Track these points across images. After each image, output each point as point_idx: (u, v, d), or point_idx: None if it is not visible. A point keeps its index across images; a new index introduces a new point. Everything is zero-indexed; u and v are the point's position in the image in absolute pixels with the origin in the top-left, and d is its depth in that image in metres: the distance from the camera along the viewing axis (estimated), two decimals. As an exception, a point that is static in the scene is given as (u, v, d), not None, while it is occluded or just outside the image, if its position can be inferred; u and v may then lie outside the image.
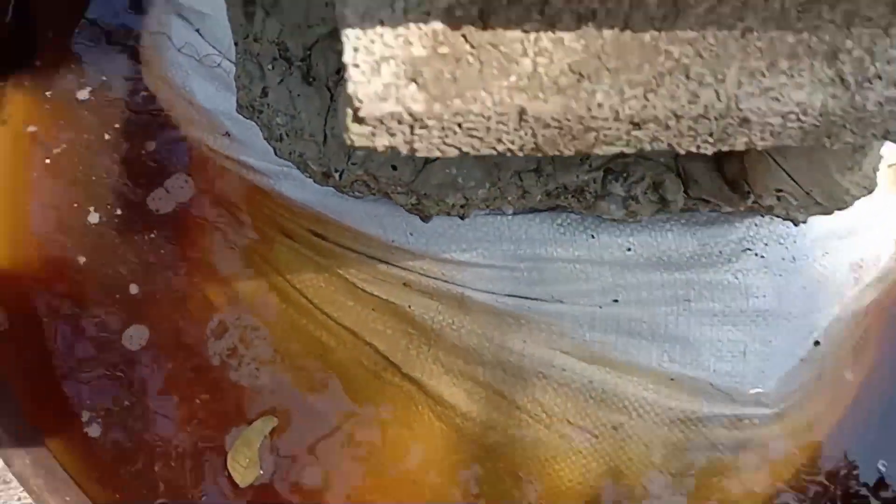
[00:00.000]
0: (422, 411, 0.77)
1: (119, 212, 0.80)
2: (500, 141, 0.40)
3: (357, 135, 0.38)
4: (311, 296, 0.80)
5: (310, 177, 0.70)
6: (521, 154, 0.41)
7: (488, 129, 0.39)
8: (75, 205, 0.81)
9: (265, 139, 0.72)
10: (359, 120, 0.37)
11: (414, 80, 0.37)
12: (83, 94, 0.86)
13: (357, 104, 0.37)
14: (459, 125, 0.38)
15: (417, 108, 0.37)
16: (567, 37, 0.38)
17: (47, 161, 0.82)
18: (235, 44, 0.73)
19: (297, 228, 0.82)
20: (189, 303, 0.79)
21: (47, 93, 0.86)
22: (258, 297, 0.81)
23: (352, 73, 0.36)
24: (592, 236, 0.73)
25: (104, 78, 0.87)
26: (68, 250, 0.79)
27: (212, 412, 0.75)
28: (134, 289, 0.78)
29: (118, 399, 0.74)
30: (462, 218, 0.70)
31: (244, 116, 0.74)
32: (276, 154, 0.71)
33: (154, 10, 0.90)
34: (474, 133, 0.39)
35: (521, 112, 0.38)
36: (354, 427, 0.76)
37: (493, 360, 0.75)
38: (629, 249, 0.73)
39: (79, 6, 0.92)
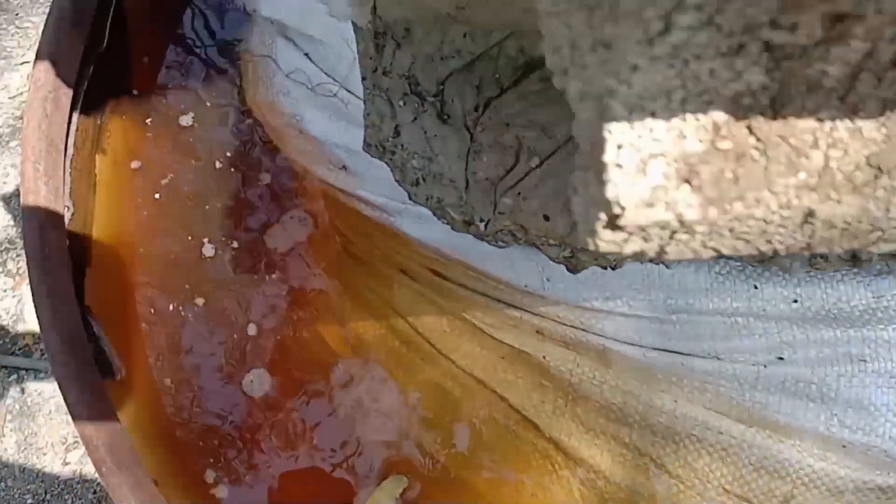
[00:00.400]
0: (560, 473, 0.71)
1: (235, 245, 0.76)
2: (769, 242, 0.33)
3: (607, 241, 0.32)
4: (434, 341, 0.75)
5: (447, 223, 0.65)
6: (783, 253, 0.35)
7: (764, 231, 0.32)
8: (189, 238, 0.77)
9: (397, 181, 0.67)
10: (615, 227, 0.31)
11: (687, 181, 0.31)
12: (186, 120, 0.81)
13: (618, 210, 0.31)
14: (731, 229, 0.32)
15: (691, 214, 0.31)
16: (866, 125, 0.31)
17: (157, 196, 0.78)
18: (364, 78, 0.67)
19: (416, 267, 0.77)
20: (310, 347, 0.74)
21: (147, 120, 0.82)
22: (380, 341, 0.76)
23: (613, 174, 0.30)
24: (755, 286, 0.66)
25: (208, 104, 0.82)
26: (184, 287, 0.75)
27: (340, 470, 0.70)
28: (252, 329, 0.74)
29: (242, 454, 0.70)
30: (614, 269, 0.64)
31: (372, 155, 0.69)
32: (410, 198, 0.66)
33: (256, 30, 0.85)
34: (744, 236, 0.33)
35: (809, 214, 0.32)
36: (488, 487, 0.71)
37: (640, 421, 0.69)
38: (795, 301, 0.66)
39: (173, 28, 0.87)
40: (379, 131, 0.66)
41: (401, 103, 0.66)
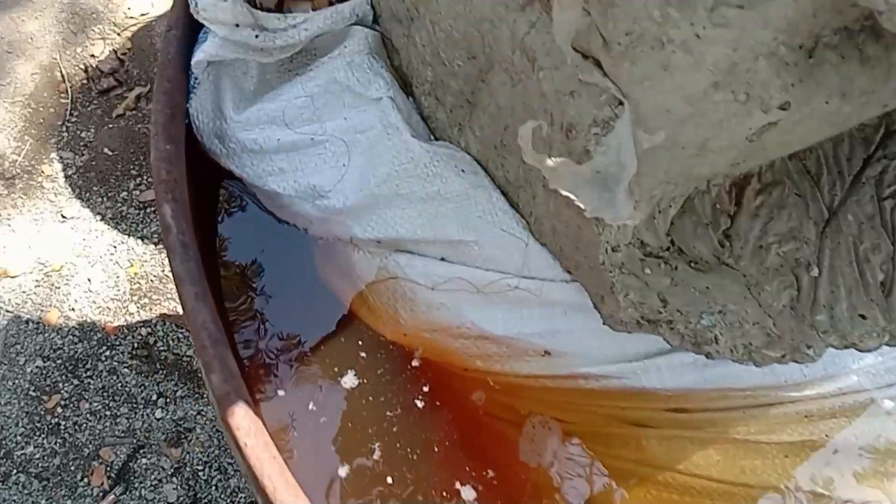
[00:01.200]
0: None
1: (492, 473, 0.67)
2: None
3: None
4: (716, 475, 0.72)
5: (754, 363, 0.63)
6: None
7: None
8: (444, 493, 0.66)
9: (679, 346, 0.63)
10: None
11: None
12: (349, 381, 0.70)
13: None
14: None
15: None
16: None
17: (389, 480, 0.66)
18: (601, 263, 0.62)
19: (652, 415, 0.74)
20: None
21: (310, 406, 0.69)
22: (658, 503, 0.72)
23: None
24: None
25: (362, 354, 0.71)
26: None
27: None
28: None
29: None
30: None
31: (629, 331, 0.64)
32: (708, 357, 0.63)
33: (359, 257, 0.75)
34: None
35: None
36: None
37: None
38: None
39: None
40: (641, 306, 0.62)
41: (647, 271, 0.63)
